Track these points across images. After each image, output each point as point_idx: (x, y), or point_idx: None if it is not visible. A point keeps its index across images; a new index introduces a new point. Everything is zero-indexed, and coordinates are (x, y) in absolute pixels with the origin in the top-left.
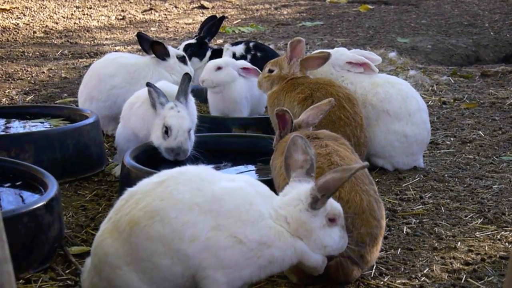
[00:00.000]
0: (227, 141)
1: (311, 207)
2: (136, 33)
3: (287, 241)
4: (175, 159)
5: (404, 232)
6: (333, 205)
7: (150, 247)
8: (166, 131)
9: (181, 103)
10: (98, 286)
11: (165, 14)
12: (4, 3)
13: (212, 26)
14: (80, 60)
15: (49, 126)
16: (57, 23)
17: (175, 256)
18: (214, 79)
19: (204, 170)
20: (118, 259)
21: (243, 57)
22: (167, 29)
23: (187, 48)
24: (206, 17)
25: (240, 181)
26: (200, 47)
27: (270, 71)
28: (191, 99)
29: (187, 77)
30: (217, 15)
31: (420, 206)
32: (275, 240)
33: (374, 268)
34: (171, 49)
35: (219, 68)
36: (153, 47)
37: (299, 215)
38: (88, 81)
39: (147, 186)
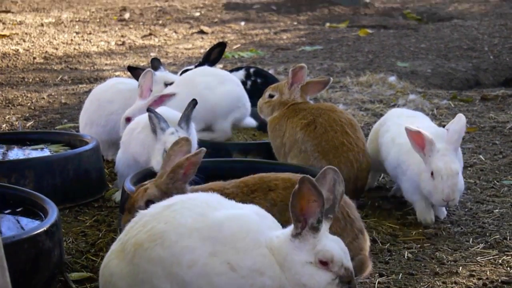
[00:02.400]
0: (227, 167)
1: (293, 236)
2: (133, 62)
3: (277, 272)
4: None
5: (405, 257)
6: (326, 247)
7: (150, 270)
8: None
9: (182, 128)
10: None
11: (165, 39)
12: (3, 29)
13: (210, 52)
14: (80, 85)
15: (49, 152)
16: (56, 48)
17: (174, 281)
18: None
19: (213, 197)
20: (122, 280)
21: (243, 83)
22: (166, 54)
23: (182, 74)
24: (215, 43)
25: (246, 209)
26: None
27: (271, 96)
28: (192, 125)
29: (192, 103)
30: (217, 40)
31: (421, 231)
32: (267, 268)
33: None
34: (161, 75)
35: (127, 119)
36: (131, 73)
37: (281, 246)
38: (88, 106)
39: (156, 209)
